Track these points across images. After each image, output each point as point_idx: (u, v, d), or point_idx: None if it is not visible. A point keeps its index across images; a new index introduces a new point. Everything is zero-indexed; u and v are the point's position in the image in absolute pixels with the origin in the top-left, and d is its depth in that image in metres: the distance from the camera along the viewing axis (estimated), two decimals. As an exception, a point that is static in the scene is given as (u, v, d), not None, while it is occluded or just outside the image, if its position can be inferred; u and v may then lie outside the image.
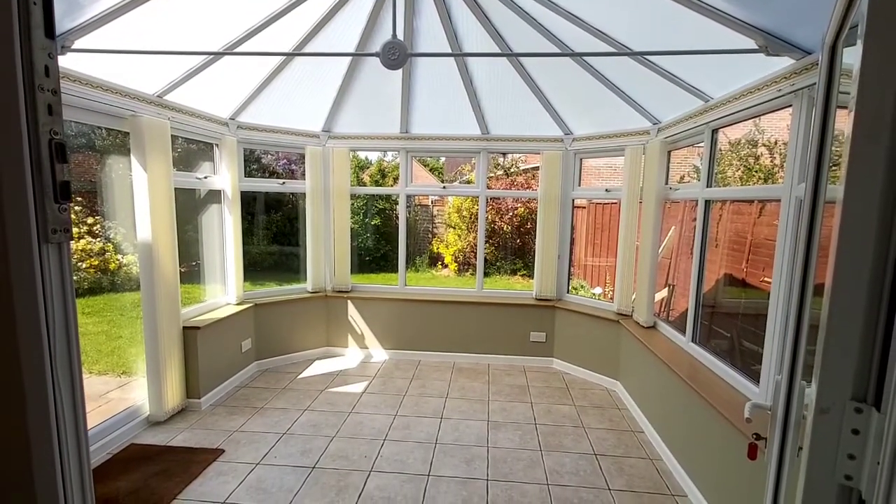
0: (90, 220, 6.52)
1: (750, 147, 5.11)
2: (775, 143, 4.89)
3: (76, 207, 6.44)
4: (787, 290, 2.35)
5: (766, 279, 3.72)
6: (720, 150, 4.46)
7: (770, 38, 2.22)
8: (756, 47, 2.27)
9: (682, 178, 6.31)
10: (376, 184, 10.63)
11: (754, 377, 2.64)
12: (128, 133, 3.36)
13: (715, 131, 3.23)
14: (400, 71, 4.01)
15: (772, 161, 4.91)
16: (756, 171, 5.02)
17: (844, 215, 0.71)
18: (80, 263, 6.36)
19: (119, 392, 4.35)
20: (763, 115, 2.78)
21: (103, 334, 5.69)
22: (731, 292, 4.64)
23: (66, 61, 2.71)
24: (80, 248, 6.34)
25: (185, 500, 2.75)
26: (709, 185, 3.28)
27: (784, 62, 2.33)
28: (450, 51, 3.73)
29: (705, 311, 4.10)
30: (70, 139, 6.05)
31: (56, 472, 0.67)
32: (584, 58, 3.49)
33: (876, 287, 0.68)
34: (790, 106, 2.40)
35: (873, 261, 0.68)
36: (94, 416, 3.55)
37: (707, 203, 3.36)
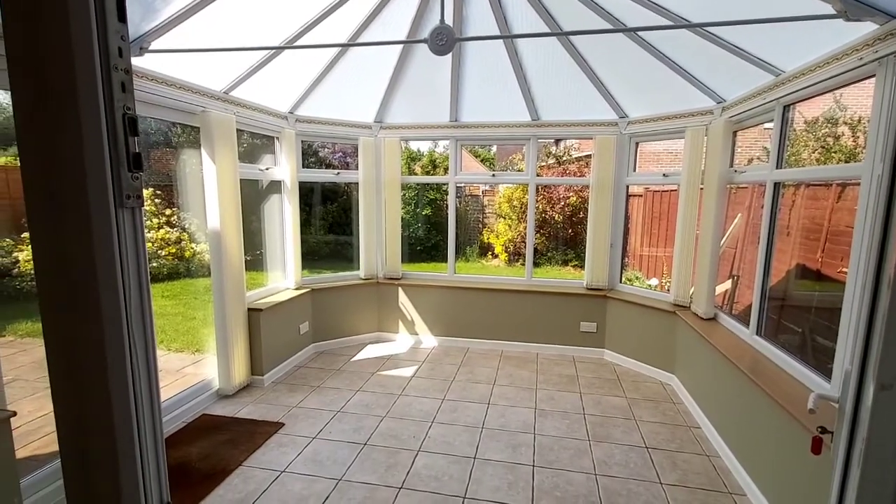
0: (168, 212, 7.11)
1: (829, 126, 4.65)
2: (859, 120, 4.41)
3: (156, 200, 7.04)
4: (864, 278, 2.14)
5: (843, 270, 3.40)
6: (794, 130, 4.10)
7: (849, 2, 2.01)
8: (833, 12, 2.07)
9: (749, 161, 5.87)
10: (427, 174, 10.73)
11: (827, 374, 2.44)
12: (198, 128, 3.62)
13: (787, 108, 2.98)
14: (449, 58, 4.03)
15: (854, 142, 4.44)
16: (835, 153, 4.56)
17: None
18: (159, 251, 6.97)
19: (193, 368, 4.75)
20: (842, 87, 2.53)
21: (180, 315, 6.22)
22: (803, 284, 4.29)
23: (143, 62, 2.96)
24: (159, 237, 6.94)
25: (249, 466, 2.98)
26: (779, 166, 3.05)
27: (866, 27, 2.10)
28: (498, 33, 3.69)
29: (774, 304, 3.82)
30: (150, 136, 6.61)
31: (132, 417, 0.76)
32: (639, 33, 3.33)
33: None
34: (873, 76, 2.18)
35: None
36: (171, 389, 3.91)
37: (776, 186, 3.12)
